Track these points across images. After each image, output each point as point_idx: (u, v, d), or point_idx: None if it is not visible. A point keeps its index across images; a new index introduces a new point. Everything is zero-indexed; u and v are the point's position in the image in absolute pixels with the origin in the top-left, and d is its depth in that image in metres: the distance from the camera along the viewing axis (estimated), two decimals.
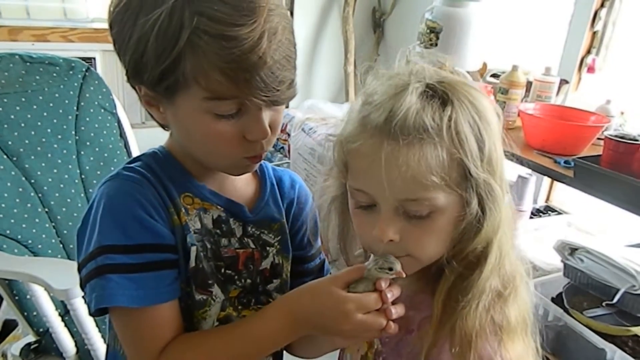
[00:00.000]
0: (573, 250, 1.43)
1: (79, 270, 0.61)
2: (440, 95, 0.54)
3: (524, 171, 1.76)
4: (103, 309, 0.60)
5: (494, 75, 1.91)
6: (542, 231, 1.78)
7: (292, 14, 2.90)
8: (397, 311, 0.58)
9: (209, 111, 0.56)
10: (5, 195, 1.17)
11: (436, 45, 1.93)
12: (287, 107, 3.22)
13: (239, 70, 0.53)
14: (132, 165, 0.65)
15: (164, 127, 0.66)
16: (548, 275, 1.62)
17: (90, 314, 0.61)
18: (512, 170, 2.06)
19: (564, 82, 1.83)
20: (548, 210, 2.07)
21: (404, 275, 0.59)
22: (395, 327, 0.58)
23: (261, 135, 0.59)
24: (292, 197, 0.76)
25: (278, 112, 0.62)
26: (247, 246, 0.70)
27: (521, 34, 2.35)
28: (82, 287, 0.61)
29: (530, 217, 1.89)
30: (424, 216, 0.55)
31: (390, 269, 0.58)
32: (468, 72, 1.93)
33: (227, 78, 0.53)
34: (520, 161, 1.54)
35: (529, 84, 1.79)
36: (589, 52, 2.00)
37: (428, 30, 1.94)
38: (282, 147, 3.00)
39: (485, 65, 2.03)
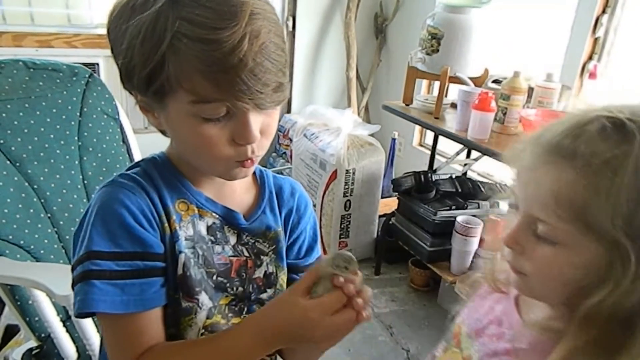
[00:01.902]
0: None
1: (72, 272, 0.62)
2: (626, 132, 0.49)
3: None
4: (87, 313, 0.61)
5: (496, 82, 1.92)
6: None
7: (294, 19, 2.91)
8: (363, 299, 0.58)
9: (196, 115, 0.57)
10: (8, 200, 1.18)
11: (437, 51, 1.93)
12: (288, 112, 3.23)
13: (219, 73, 0.54)
14: (129, 171, 0.66)
15: (164, 133, 0.67)
16: None
17: (75, 317, 0.62)
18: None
19: (565, 88, 1.83)
20: None
21: (360, 274, 0.60)
22: (367, 313, 0.58)
23: (249, 139, 0.59)
24: (291, 206, 0.76)
25: (270, 117, 0.62)
26: (240, 254, 0.70)
27: (523, 40, 2.35)
28: (73, 289, 0.62)
29: None
30: (548, 242, 0.52)
31: (346, 268, 0.59)
32: (469, 78, 1.94)
33: (208, 81, 0.54)
34: None
35: (530, 90, 1.79)
36: (590, 58, 2.01)
37: (429, 37, 1.94)
38: (284, 153, 3.01)
39: (486, 71, 2.03)
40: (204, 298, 0.66)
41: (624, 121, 0.49)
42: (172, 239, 0.64)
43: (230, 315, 0.69)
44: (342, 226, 2.37)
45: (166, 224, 0.64)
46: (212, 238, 0.68)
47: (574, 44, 2.01)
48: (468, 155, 2.28)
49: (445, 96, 2.01)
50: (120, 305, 0.59)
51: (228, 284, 0.69)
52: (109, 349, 0.63)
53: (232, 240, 0.70)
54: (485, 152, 1.71)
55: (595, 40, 1.98)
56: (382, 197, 2.48)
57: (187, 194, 0.67)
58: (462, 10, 1.91)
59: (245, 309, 0.71)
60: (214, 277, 0.68)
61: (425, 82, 2.77)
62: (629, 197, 0.47)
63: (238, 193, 0.71)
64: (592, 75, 1.98)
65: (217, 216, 0.68)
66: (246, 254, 0.70)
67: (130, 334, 0.61)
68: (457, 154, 2.25)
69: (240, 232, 0.70)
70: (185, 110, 0.57)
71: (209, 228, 0.68)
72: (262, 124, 0.60)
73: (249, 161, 0.62)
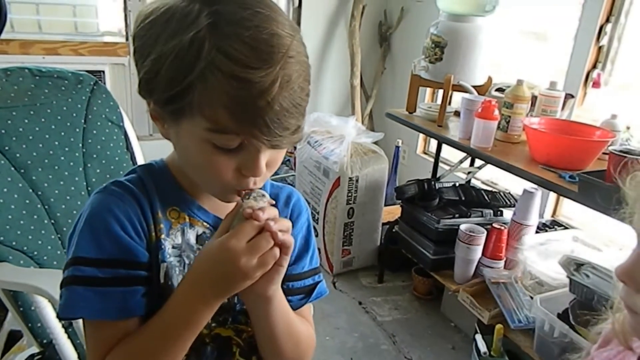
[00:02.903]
0: (579, 265, 1.41)
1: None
2: None
3: (531, 185, 1.75)
4: (68, 316, 0.62)
5: (499, 90, 1.92)
6: (548, 246, 1.76)
7: (298, 26, 2.93)
8: (274, 222, 0.58)
9: (209, 141, 0.56)
10: (12, 206, 1.18)
11: (441, 59, 1.94)
12: None
13: (244, 112, 0.53)
14: (123, 179, 0.67)
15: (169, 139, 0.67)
16: (554, 290, 1.60)
17: (57, 319, 0.63)
18: (518, 184, 2.05)
19: (569, 96, 1.83)
20: (554, 224, 2.06)
21: (274, 202, 0.61)
22: (281, 235, 0.58)
23: (256, 173, 0.59)
24: (284, 216, 0.76)
25: (279, 153, 0.62)
26: None
27: (526, 49, 2.35)
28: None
29: (536, 232, 1.88)
30: None
31: (264, 195, 0.60)
32: (473, 87, 1.94)
33: (231, 116, 0.54)
34: (525, 176, 1.54)
35: (534, 99, 1.79)
36: (594, 66, 2.01)
37: (433, 45, 1.95)
38: (288, 160, 3.01)
39: (490, 79, 2.04)
40: None
41: None
42: (156, 247, 0.64)
43: (213, 325, 0.69)
44: (345, 234, 2.37)
45: (153, 233, 0.64)
46: (200, 247, 0.68)
47: (578, 52, 2.01)
48: (472, 164, 2.28)
49: (449, 104, 2.01)
50: (99, 312, 0.60)
51: None
52: (87, 351, 0.65)
53: None
54: (488, 160, 1.70)
55: (599, 48, 1.98)
56: (385, 205, 2.47)
57: (179, 202, 0.67)
58: (465, 19, 1.92)
59: (230, 319, 0.70)
60: None
61: (429, 90, 2.78)
62: None
63: (233, 204, 0.71)
64: (596, 83, 1.97)
65: (208, 226, 0.69)
66: None
67: (107, 339, 0.62)
68: (461, 162, 2.25)
69: None
70: (199, 135, 0.56)
71: (198, 237, 0.68)
72: (269, 158, 0.61)
73: (248, 190, 0.62)
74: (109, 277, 0.60)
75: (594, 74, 1.99)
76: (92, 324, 0.63)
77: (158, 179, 0.67)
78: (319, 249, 2.44)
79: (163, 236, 0.65)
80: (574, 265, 1.42)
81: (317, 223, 2.43)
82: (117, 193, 0.63)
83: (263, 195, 0.62)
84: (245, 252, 0.56)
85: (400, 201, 2.22)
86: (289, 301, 0.69)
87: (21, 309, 1.17)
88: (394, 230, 2.28)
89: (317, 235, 2.45)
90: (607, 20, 1.95)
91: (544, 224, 2.03)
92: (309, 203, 2.48)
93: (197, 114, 0.55)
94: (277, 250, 0.58)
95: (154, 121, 0.63)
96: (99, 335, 0.63)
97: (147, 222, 0.64)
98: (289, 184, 2.84)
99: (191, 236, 0.67)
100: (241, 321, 0.71)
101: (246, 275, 0.57)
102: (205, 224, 0.69)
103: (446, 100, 1.94)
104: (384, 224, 2.46)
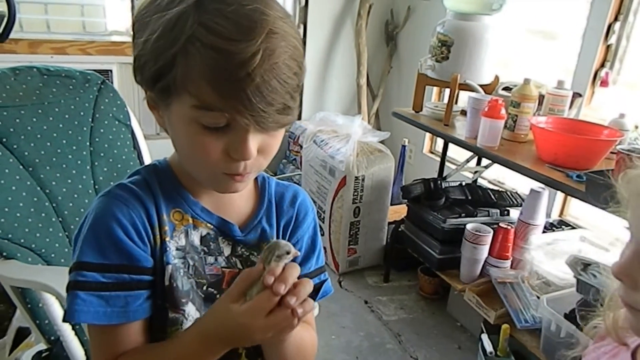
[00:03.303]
0: (586, 265, 1.41)
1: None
2: None
3: (538, 185, 1.74)
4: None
5: (506, 89, 1.91)
6: (555, 246, 1.75)
7: (305, 26, 2.93)
8: (297, 295, 0.56)
9: (197, 120, 0.56)
10: (21, 204, 1.19)
11: (447, 58, 1.93)
12: (299, 118, 3.25)
13: (225, 83, 0.53)
14: (127, 181, 0.67)
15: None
16: (561, 290, 1.60)
17: (64, 321, 0.64)
18: (525, 184, 2.04)
19: (577, 95, 1.82)
20: (561, 224, 2.04)
21: (299, 254, 0.59)
22: (301, 310, 0.56)
23: (243, 156, 0.58)
24: (290, 215, 0.75)
25: (272, 137, 0.61)
26: (234, 266, 0.70)
27: (534, 48, 2.34)
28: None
29: (544, 232, 1.87)
30: None
31: (288, 252, 0.58)
32: (480, 86, 1.93)
33: (213, 89, 0.53)
34: (532, 175, 1.53)
35: (541, 98, 1.78)
36: (602, 65, 1.99)
37: (439, 44, 1.94)
38: (294, 159, 3.02)
39: (497, 78, 2.03)
40: (190, 309, 0.67)
41: None
42: (161, 250, 0.64)
43: None
44: (351, 233, 2.37)
45: (158, 236, 0.64)
46: (205, 248, 0.68)
47: (586, 51, 1.99)
48: (478, 163, 2.27)
49: (455, 103, 2.00)
50: (103, 316, 0.61)
51: (218, 295, 0.68)
52: (91, 350, 0.66)
53: (227, 251, 0.70)
54: (495, 159, 1.70)
55: (608, 47, 1.97)
56: (391, 204, 2.47)
57: (183, 203, 0.67)
58: (472, 18, 1.91)
59: None
60: (204, 288, 0.68)
61: (435, 90, 2.77)
62: None
63: (237, 203, 0.71)
64: (604, 82, 1.96)
65: (212, 227, 0.69)
66: (240, 266, 0.70)
67: (111, 343, 0.63)
68: (467, 161, 2.24)
69: (235, 244, 0.70)
70: (187, 114, 0.56)
71: (202, 238, 0.68)
72: (261, 143, 0.59)
73: (239, 176, 0.61)
74: (112, 282, 0.61)
75: (602, 73, 1.97)
76: (95, 328, 0.63)
77: (162, 180, 0.67)
78: (324, 248, 2.45)
79: (168, 238, 0.65)
80: (581, 265, 1.41)
81: (323, 222, 2.44)
82: (121, 197, 0.63)
83: (287, 252, 0.59)
84: (262, 328, 0.57)
85: (406, 200, 2.22)
86: None
87: (29, 305, 1.19)
88: (400, 229, 2.28)
89: (323, 234, 2.45)
90: (616, 19, 1.93)
91: (551, 224, 2.02)
92: (315, 202, 2.48)
93: (183, 91, 0.55)
94: (295, 321, 0.58)
95: (152, 111, 0.63)
96: (103, 340, 0.63)
97: (151, 225, 0.64)
98: (295, 182, 2.85)
99: (195, 237, 0.67)
100: None
101: (260, 341, 0.59)
102: (209, 225, 0.68)
103: (453, 99, 1.93)
104: (390, 223, 2.46)
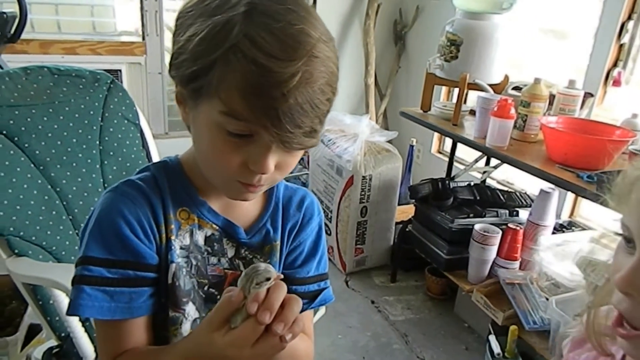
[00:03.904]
0: (595, 266, 1.39)
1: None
2: None
3: (547, 185, 1.73)
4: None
5: (516, 88, 1.89)
6: (565, 247, 1.74)
7: None
8: (284, 320, 0.54)
9: (222, 126, 0.56)
10: (32, 202, 1.21)
11: (456, 57, 1.92)
12: None
13: (258, 98, 0.53)
14: (135, 177, 0.67)
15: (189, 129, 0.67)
16: (570, 292, 1.58)
17: (68, 314, 0.65)
18: (534, 185, 2.02)
19: (588, 95, 1.80)
20: (572, 225, 2.03)
21: (282, 276, 0.56)
22: (290, 336, 0.54)
23: (261, 169, 0.58)
24: (296, 219, 0.74)
25: (292, 156, 0.61)
26: (237, 268, 0.70)
27: (545, 47, 2.32)
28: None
29: (553, 233, 1.86)
30: None
31: (268, 279, 0.55)
32: (489, 85, 1.92)
33: (245, 101, 0.53)
34: (542, 175, 1.52)
35: (552, 97, 1.77)
36: (615, 64, 1.97)
37: (448, 43, 1.93)
38: (302, 158, 3.02)
39: (506, 77, 2.01)
40: (190, 309, 0.67)
41: None
42: (166, 248, 0.65)
43: None
44: (358, 232, 2.36)
45: (163, 234, 0.65)
46: (208, 249, 0.68)
47: (598, 50, 1.97)
48: (487, 163, 2.25)
49: (464, 103, 1.99)
50: (107, 311, 0.61)
51: (219, 296, 0.68)
52: (97, 345, 0.67)
53: (230, 253, 0.70)
54: (504, 159, 1.69)
55: (621, 46, 1.95)
56: (399, 204, 2.46)
57: (190, 203, 0.67)
58: (481, 17, 1.90)
59: None
60: (205, 288, 0.69)
61: (444, 89, 2.75)
62: None
63: (244, 206, 0.71)
64: (617, 82, 1.94)
65: (217, 228, 0.69)
66: (242, 268, 0.70)
67: (114, 337, 0.63)
68: (476, 161, 2.23)
69: (239, 246, 0.70)
70: (214, 118, 0.56)
71: (207, 239, 0.68)
72: (280, 160, 0.60)
73: (252, 187, 0.61)
74: (117, 277, 0.61)
75: (615, 73, 1.95)
76: (100, 323, 0.64)
77: (171, 178, 0.67)
78: (331, 248, 2.44)
79: (173, 237, 0.65)
80: (591, 267, 1.39)
81: (330, 222, 2.43)
82: (128, 194, 0.64)
83: (267, 279, 0.55)
84: (249, 358, 0.55)
85: (414, 200, 2.21)
86: None
87: (40, 302, 1.20)
88: (407, 229, 2.27)
89: (329, 234, 2.44)
90: (629, 18, 1.91)
91: (561, 225, 2.00)
92: (322, 202, 2.48)
93: (215, 95, 0.55)
94: (284, 345, 0.56)
95: (178, 105, 0.63)
96: (107, 334, 0.64)
97: (157, 223, 0.64)
98: (302, 182, 2.85)
99: (199, 237, 0.68)
100: None
101: None
102: (214, 225, 0.69)
103: (461, 98, 1.92)
104: (397, 223, 2.45)
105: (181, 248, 0.66)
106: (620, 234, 0.51)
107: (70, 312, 0.62)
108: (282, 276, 0.58)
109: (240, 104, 0.54)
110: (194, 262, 0.67)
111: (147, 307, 0.64)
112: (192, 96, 0.59)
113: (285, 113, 0.53)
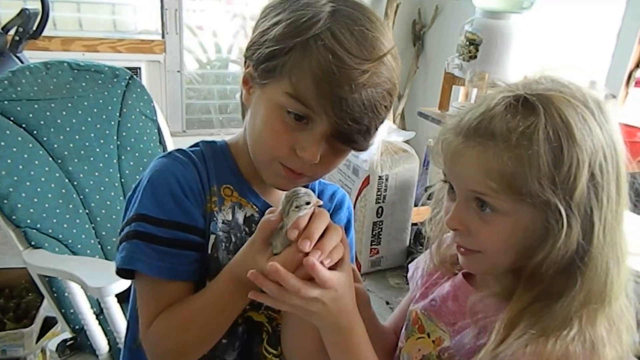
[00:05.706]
0: None
1: (120, 232, 0.66)
2: (529, 105, 0.55)
3: None
4: (126, 272, 0.64)
5: None
6: None
7: None
8: (322, 249, 0.56)
9: (283, 107, 0.59)
10: (49, 195, 1.22)
11: (475, 57, 1.90)
12: None
13: (327, 85, 0.57)
14: (186, 149, 0.70)
15: (243, 115, 0.70)
16: None
17: (117, 273, 0.66)
18: None
19: (610, 96, 1.76)
20: None
21: (321, 203, 0.60)
22: (328, 261, 0.56)
23: (308, 155, 0.60)
24: (328, 209, 0.76)
25: (336, 156, 0.64)
26: None
27: (565, 47, 2.28)
28: (118, 247, 0.65)
29: None
30: (491, 214, 0.56)
31: (308, 203, 0.57)
32: None
33: (314, 85, 0.57)
34: None
35: None
36: (637, 65, 1.92)
37: (467, 43, 1.91)
38: None
39: (526, 78, 1.98)
40: None
41: (524, 96, 0.56)
42: (209, 218, 0.66)
43: (247, 307, 0.69)
44: (374, 233, 2.35)
45: (208, 204, 0.67)
46: (246, 229, 0.70)
47: (620, 51, 1.93)
48: None
49: None
50: (156, 269, 0.62)
51: None
52: (138, 306, 0.67)
53: None
54: None
55: None
56: (415, 205, 2.44)
57: (233, 181, 0.70)
58: (501, 16, 1.87)
59: (264, 305, 0.71)
60: None
61: (462, 89, 2.72)
62: (547, 159, 0.52)
63: (283, 192, 0.72)
64: (639, 83, 1.89)
65: (257, 209, 0.71)
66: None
67: (158, 297, 0.64)
68: None
69: None
70: (277, 99, 0.60)
71: (246, 219, 0.70)
72: (326, 154, 0.62)
73: (292, 173, 0.63)
74: (168, 237, 0.63)
75: (638, 74, 1.91)
76: (145, 281, 0.65)
77: (218, 156, 0.70)
78: None
79: (216, 209, 0.67)
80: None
81: None
82: (180, 159, 0.66)
83: (307, 203, 0.58)
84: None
85: (430, 202, 2.19)
86: None
87: (55, 295, 1.22)
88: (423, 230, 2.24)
89: None
90: None
91: None
92: None
93: (285, 76, 0.59)
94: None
95: (243, 86, 0.67)
96: (152, 294, 0.65)
97: (204, 191, 0.66)
98: None
99: (239, 216, 0.69)
100: (275, 308, 0.71)
101: None
102: (254, 207, 0.71)
103: None
104: (413, 224, 2.43)
105: (223, 222, 0.68)
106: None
107: (123, 264, 0.63)
108: (321, 202, 0.60)
109: (308, 88, 0.57)
110: (234, 239, 0.68)
111: (192, 273, 0.65)
112: (261, 76, 0.62)
113: (349, 104, 0.57)
